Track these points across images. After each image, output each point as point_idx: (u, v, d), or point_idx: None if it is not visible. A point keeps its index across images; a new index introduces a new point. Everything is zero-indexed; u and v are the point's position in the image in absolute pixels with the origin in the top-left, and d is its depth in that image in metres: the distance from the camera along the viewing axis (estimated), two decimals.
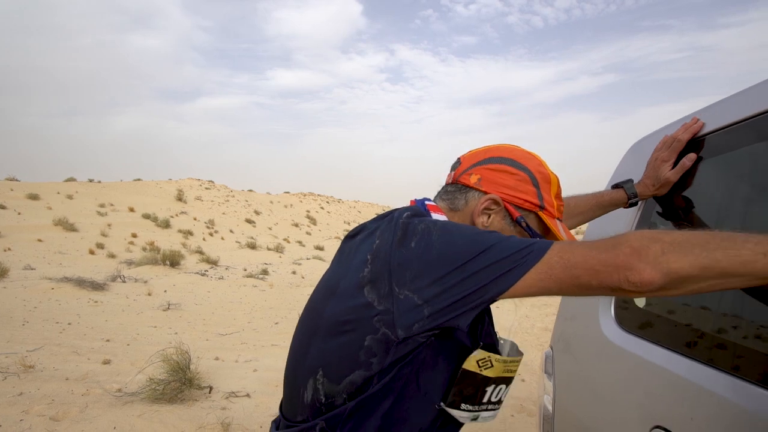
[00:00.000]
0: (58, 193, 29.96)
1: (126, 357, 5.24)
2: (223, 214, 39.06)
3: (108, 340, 6.17)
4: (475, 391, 0.84)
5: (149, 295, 9.83)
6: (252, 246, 24.82)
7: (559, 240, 0.88)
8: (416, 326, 0.75)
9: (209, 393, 3.99)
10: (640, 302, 1.05)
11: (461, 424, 0.89)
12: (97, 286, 9.74)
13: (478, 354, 0.82)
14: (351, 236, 0.93)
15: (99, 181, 39.73)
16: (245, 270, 15.39)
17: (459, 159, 0.99)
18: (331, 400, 0.80)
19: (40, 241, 18.36)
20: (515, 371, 0.89)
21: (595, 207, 1.15)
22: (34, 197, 26.36)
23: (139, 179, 46.75)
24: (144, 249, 18.86)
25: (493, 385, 0.85)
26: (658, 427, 0.85)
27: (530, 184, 0.89)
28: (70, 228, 20.89)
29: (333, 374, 0.80)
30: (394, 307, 0.75)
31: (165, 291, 10.43)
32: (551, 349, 1.36)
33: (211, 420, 3.36)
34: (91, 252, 17.51)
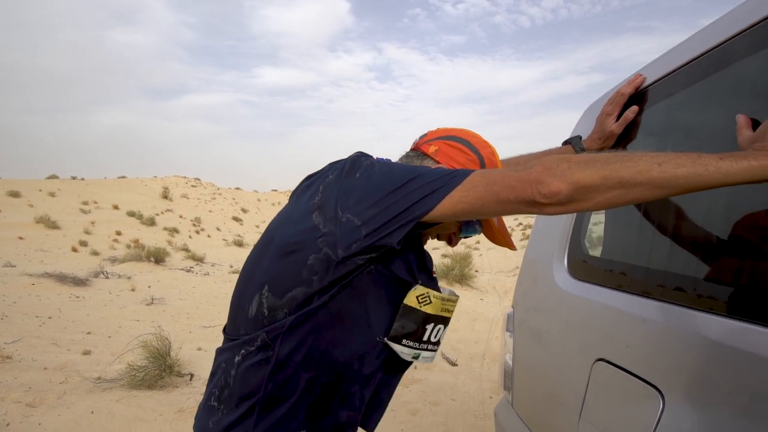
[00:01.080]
0: (40, 190, 29.42)
1: (107, 348, 5.20)
2: (210, 211, 38.69)
3: (89, 333, 6.10)
4: (416, 328, 0.91)
5: (133, 290, 9.72)
6: (239, 243, 24.65)
7: (491, 224, 0.99)
8: (354, 245, 0.82)
9: (190, 380, 3.98)
10: (594, 253, 1.10)
11: (406, 363, 0.95)
12: (79, 282, 9.60)
13: (418, 289, 0.90)
14: (308, 178, 0.98)
15: (82, 179, 39.08)
16: (231, 267, 15.29)
17: (426, 132, 1.08)
18: (273, 313, 0.87)
19: (20, 238, 18.02)
20: (452, 312, 0.97)
21: None
22: (14, 194, 25.84)
23: (123, 177, 46.08)
24: (128, 246, 18.61)
25: (432, 324, 0.93)
26: (600, 359, 0.90)
27: (478, 166, 0.97)
28: (52, 226, 20.53)
29: (277, 289, 0.86)
30: (337, 229, 0.83)
31: (149, 287, 10.32)
32: (513, 308, 1.41)
33: (191, 404, 3.36)
34: (74, 250, 17.24)
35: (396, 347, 0.91)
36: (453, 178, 0.81)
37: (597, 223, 1.12)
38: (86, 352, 4.92)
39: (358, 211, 0.83)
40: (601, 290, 0.99)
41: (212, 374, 0.94)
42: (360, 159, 0.89)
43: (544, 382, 1.14)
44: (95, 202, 29.59)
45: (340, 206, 0.84)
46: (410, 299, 0.90)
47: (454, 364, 4.38)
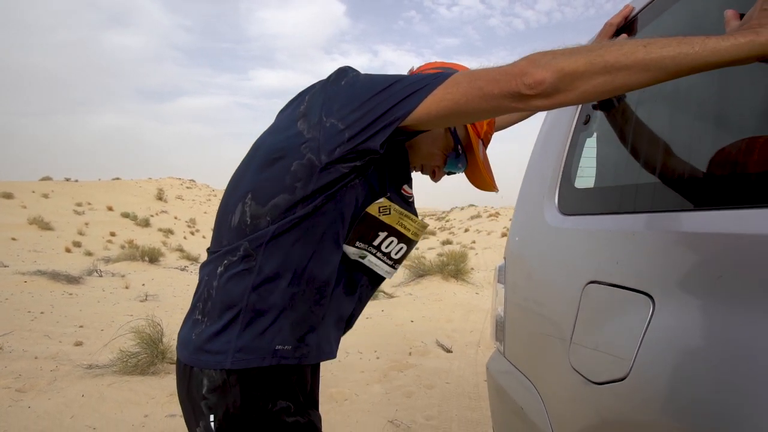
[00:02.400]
0: (33, 192, 29.25)
1: (99, 340, 5.15)
2: (205, 213, 38.54)
3: (81, 326, 6.05)
4: (367, 231, 0.92)
5: (126, 288, 9.66)
6: None
7: (476, 157, 0.99)
8: (338, 150, 0.82)
9: None
10: (579, 184, 1.09)
11: (376, 279, 0.97)
12: (72, 280, 9.52)
13: (382, 201, 0.91)
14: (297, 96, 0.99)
15: (76, 180, 38.86)
16: None
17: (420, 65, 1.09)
18: (255, 221, 0.85)
19: (14, 239, 17.87)
20: (412, 231, 0.97)
21: None
22: (7, 196, 25.66)
23: (118, 178, 45.88)
24: (122, 247, 18.51)
25: (385, 233, 0.93)
26: (591, 282, 0.89)
27: None
28: (46, 227, 20.39)
29: (260, 197, 0.85)
30: (320, 134, 0.82)
31: (143, 284, 10.26)
32: (504, 260, 1.39)
33: None
34: (68, 250, 17.11)
35: (347, 249, 0.92)
36: (436, 78, 0.80)
37: (589, 157, 1.11)
38: (78, 344, 4.88)
39: (341, 116, 0.82)
40: (592, 218, 0.98)
41: (196, 289, 0.93)
42: (346, 69, 0.89)
43: (536, 321, 1.12)
44: (89, 204, 29.42)
45: (325, 112, 0.83)
46: (372, 208, 0.91)
47: (449, 351, 4.37)
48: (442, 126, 0.90)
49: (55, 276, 9.37)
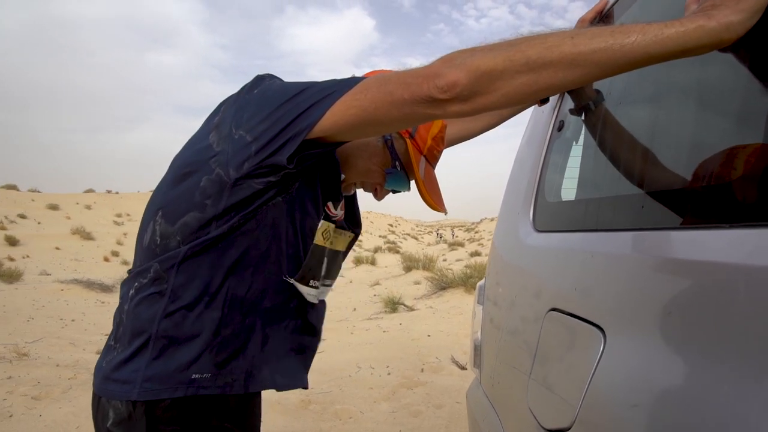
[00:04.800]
0: (77, 203, 30.76)
1: None
2: None
3: (107, 335, 6.22)
4: (317, 265, 0.88)
5: None
6: None
7: (415, 175, 0.92)
8: (246, 164, 0.75)
9: None
10: (552, 197, 0.99)
11: (306, 303, 0.90)
12: (105, 288, 9.86)
13: (322, 225, 0.86)
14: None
15: (116, 192, 40.68)
16: None
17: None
18: (165, 241, 0.80)
19: (57, 249, 18.78)
20: (336, 245, 0.94)
21: None
22: (53, 207, 27.08)
23: None
24: None
25: (326, 259, 0.90)
26: (552, 309, 0.78)
27: None
28: (87, 237, 21.35)
29: (170, 215, 0.80)
30: (229, 147, 0.76)
31: None
32: (485, 280, 1.29)
33: None
34: (106, 259, 17.83)
35: (302, 288, 0.85)
36: (347, 83, 0.72)
37: (573, 167, 1.00)
38: (99, 352, 5.00)
39: (249, 127, 0.75)
40: (560, 236, 0.88)
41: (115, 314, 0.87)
42: (264, 76, 0.83)
43: (505, 349, 1.02)
44: (128, 215, 30.68)
45: (234, 123, 0.77)
46: (318, 237, 0.86)
47: (463, 368, 4.21)
48: (356, 137, 0.82)
49: (89, 284, 9.73)
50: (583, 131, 0.98)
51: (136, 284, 0.81)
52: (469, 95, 0.62)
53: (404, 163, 0.93)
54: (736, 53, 0.57)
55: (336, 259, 0.94)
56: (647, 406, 0.51)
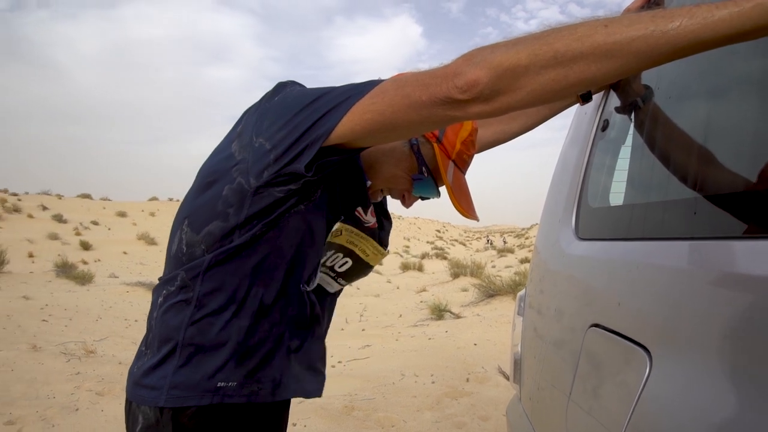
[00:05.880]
0: (143, 210, 32.91)
1: None
2: None
3: None
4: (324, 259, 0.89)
5: None
6: None
7: (444, 181, 0.87)
8: (266, 173, 0.74)
9: None
10: (596, 203, 0.91)
11: (322, 314, 0.90)
12: None
13: (336, 225, 0.87)
14: None
15: (177, 200, 43.10)
16: None
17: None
18: (191, 250, 0.80)
19: (125, 253, 20.15)
20: (359, 247, 0.92)
21: (542, 107, 1.03)
22: (122, 214, 29.14)
23: None
24: None
25: (334, 251, 0.90)
26: (594, 325, 0.72)
27: None
28: (151, 242, 22.74)
29: (195, 224, 0.80)
30: (250, 155, 0.76)
31: None
32: (526, 289, 1.22)
33: None
34: None
35: (323, 276, 0.89)
36: (364, 86, 0.70)
37: (621, 170, 0.92)
38: None
39: (268, 135, 0.75)
40: (603, 245, 0.80)
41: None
42: (284, 83, 0.82)
43: (545, 366, 0.95)
44: None
45: (255, 132, 0.76)
46: (338, 237, 0.88)
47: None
48: (376, 143, 0.78)
49: (152, 287, 10.34)
50: (630, 131, 0.90)
51: (165, 292, 0.83)
52: (491, 94, 0.57)
53: (431, 169, 0.89)
54: None
55: (362, 269, 0.94)
56: None
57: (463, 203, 0.87)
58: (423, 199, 0.95)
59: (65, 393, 3.55)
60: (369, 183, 0.91)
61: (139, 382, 0.80)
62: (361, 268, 0.93)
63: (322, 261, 0.89)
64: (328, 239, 0.87)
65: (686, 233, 0.58)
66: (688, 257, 0.54)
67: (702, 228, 0.56)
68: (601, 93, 0.98)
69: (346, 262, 0.91)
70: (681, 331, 0.52)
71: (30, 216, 24.61)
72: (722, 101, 0.68)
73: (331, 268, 0.91)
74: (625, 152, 0.89)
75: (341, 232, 0.88)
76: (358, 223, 0.88)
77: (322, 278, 0.90)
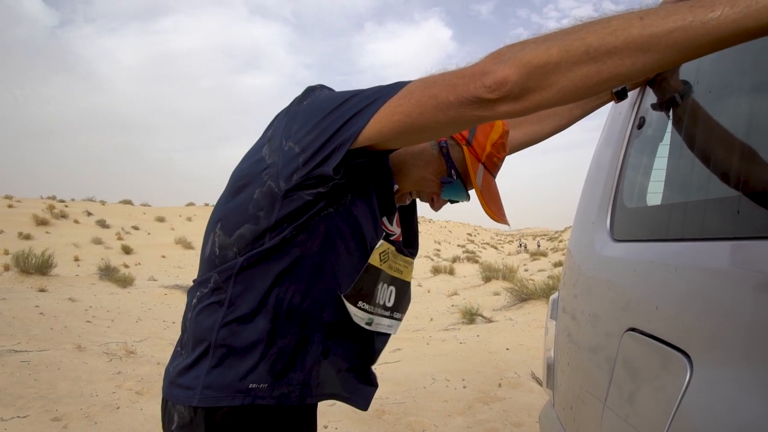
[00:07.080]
0: (180, 215, 34.06)
1: None
2: None
3: None
4: (371, 288, 0.84)
5: None
6: None
7: (473, 184, 0.86)
8: (295, 176, 0.75)
9: None
10: (632, 203, 0.88)
11: (363, 331, 0.87)
12: None
13: (382, 245, 0.83)
14: None
15: (213, 205, 44.31)
16: None
17: None
18: (223, 252, 0.82)
19: (163, 257, 20.88)
20: (402, 273, 0.91)
21: (574, 105, 1.01)
22: (160, 219, 30.26)
23: None
24: None
25: (382, 283, 0.86)
26: (629, 329, 0.69)
27: None
28: (188, 246, 23.49)
29: (227, 227, 0.82)
30: (279, 159, 0.77)
31: None
32: (558, 292, 1.19)
33: None
34: None
35: (351, 308, 0.83)
36: (393, 87, 0.69)
37: (659, 169, 0.89)
38: None
39: (297, 138, 0.75)
40: (640, 246, 0.77)
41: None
42: (313, 87, 0.83)
43: (579, 371, 0.92)
44: None
45: (284, 135, 0.77)
46: (374, 257, 0.83)
47: None
48: (404, 144, 0.78)
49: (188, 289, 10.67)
50: (668, 128, 0.86)
51: (198, 293, 0.85)
52: (520, 93, 0.56)
53: (461, 172, 0.88)
54: None
55: (404, 290, 0.91)
56: None
57: (493, 207, 0.85)
58: (452, 202, 0.94)
59: (107, 391, 3.70)
60: (396, 187, 0.91)
61: (175, 381, 0.83)
62: (404, 290, 0.91)
63: (376, 300, 0.86)
64: (379, 265, 0.85)
65: (729, 233, 0.55)
66: (731, 258, 0.52)
67: (746, 227, 0.53)
68: (637, 90, 0.95)
69: (391, 291, 0.89)
70: (724, 336, 0.49)
71: (76, 221, 25.89)
72: (766, 95, 0.65)
73: (384, 306, 0.89)
74: (663, 150, 0.86)
75: (389, 256, 0.86)
76: (385, 236, 0.87)
77: (380, 323, 0.88)
